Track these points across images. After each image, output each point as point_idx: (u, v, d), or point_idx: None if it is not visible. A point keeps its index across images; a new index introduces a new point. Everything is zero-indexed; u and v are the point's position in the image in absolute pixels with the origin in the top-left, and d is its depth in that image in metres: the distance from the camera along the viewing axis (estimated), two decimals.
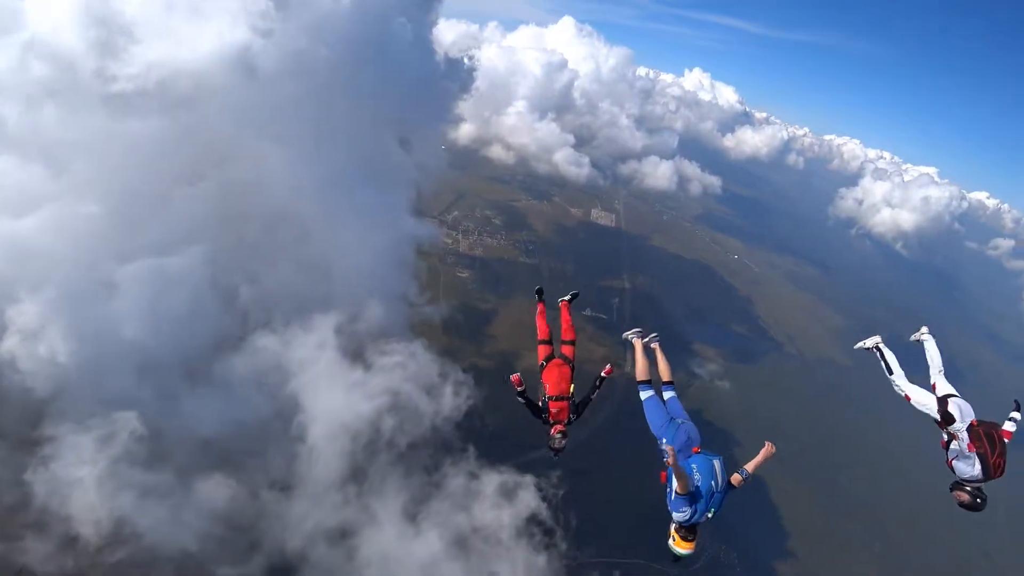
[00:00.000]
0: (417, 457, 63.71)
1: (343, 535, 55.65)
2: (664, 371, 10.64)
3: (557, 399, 10.57)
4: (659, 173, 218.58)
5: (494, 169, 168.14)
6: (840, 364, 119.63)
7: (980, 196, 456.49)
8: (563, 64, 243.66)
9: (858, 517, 78.27)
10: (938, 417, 9.08)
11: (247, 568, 48.90)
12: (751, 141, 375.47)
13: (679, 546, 8.48)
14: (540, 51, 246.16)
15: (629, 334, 11.52)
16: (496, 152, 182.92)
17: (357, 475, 59.72)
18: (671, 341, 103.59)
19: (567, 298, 12.35)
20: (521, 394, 10.47)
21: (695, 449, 9.10)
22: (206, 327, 60.38)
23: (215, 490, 50.86)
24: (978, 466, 8.39)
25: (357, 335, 69.34)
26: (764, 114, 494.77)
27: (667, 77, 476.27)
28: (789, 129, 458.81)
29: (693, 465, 8.68)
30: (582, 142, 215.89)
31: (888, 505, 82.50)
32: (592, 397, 10.83)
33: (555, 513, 63.75)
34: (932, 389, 9.88)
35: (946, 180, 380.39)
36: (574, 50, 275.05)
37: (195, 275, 59.63)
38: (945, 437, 8.96)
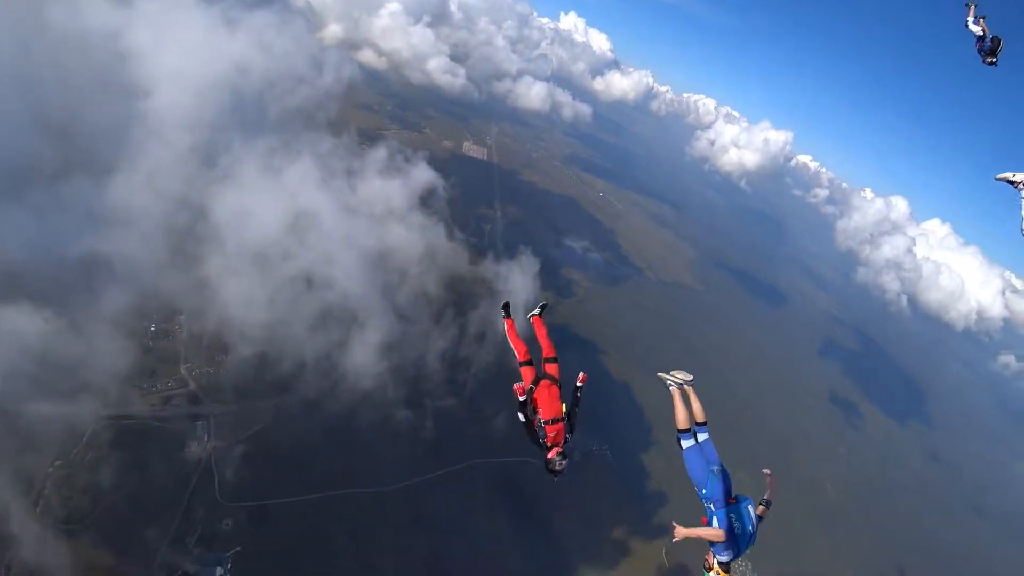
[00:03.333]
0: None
1: None
2: (698, 413, 10.45)
3: (553, 422, 10.17)
4: (532, 94, 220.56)
5: (365, 78, 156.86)
6: (692, 288, 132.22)
7: (805, 159, 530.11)
8: None
9: (707, 409, 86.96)
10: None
11: (73, 408, 47.43)
12: (619, 85, 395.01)
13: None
14: None
15: (666, 378, 10.82)
16: (367, 57, 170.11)
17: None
18: (545, 268, 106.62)
19: (537, 312, 11.43)
20: (522, 409, 10.10)
21: (731, 500, 9.53)
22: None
23: (24, 322, 46.04)
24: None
25: None
26: (631, 69, 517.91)
27: (543, 20, 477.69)
28: (653, 86, 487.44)
29: (732, 515, 9.35)
30: (457, 59, 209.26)
31: (728, 396, 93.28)
32: (577, 409, 10.54)
33: None
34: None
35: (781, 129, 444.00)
36: None
37: None
38: None
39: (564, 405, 10.46)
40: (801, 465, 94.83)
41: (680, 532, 9.69)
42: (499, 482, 61.86)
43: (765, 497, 10.07)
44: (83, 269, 55.23)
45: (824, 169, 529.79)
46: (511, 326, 11.17)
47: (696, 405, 10.55)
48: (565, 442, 10.23)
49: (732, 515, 9.47)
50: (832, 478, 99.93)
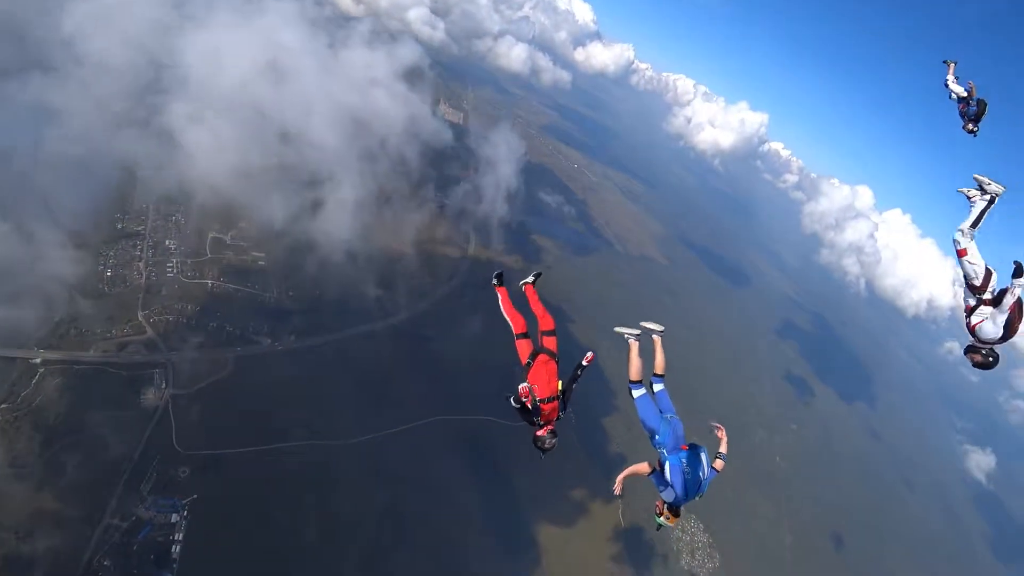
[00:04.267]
0: None
1: None
2: (659, 365, 10.45)
3: (549, 400, 9.67)
4: (513, 55, 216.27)
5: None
6: (658, 263, 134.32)
7: (777, 146, 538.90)
8: None
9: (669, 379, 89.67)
10: (980, 280, 9.26)
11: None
12: (600, 57, 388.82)
13: (667, 520, 9.56)
14: None
15: (625, 332, 10.51)
16: (344, 2, 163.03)
17: None
18: (515, 233, 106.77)
19: (531, 280, 10.77)
20: (523, 414, 9.53)
21: (683, 446, 9.55)
22: None
23: None
24: (1002, 329, 8.89)
25: None
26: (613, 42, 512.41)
27: None
28: (634, 61, 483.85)
29: (683, 459, 9.32)
30: (438, 12, 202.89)
31: (687, 366, 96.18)
32: (574, 387, 10.02)
33: None
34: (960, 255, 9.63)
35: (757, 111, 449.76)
36: None
37: None
38: (972, 302, 9.32)
39: (560, 382, 9.97)
40: (754, 436, 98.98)
41: (618, 479, 9.75)
42: (462, 438, 62.64)
43: (720, 450, 10.18)
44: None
45: (795, 157, 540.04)
46: (505, 297, 10.53)
47: (660, 357, 10.52)
48: (558, 419, 9.79)
49: (684, 460, 9.46)
50: (781, 450, 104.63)
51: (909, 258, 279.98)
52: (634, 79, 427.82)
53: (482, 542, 56.97)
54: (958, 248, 9.41)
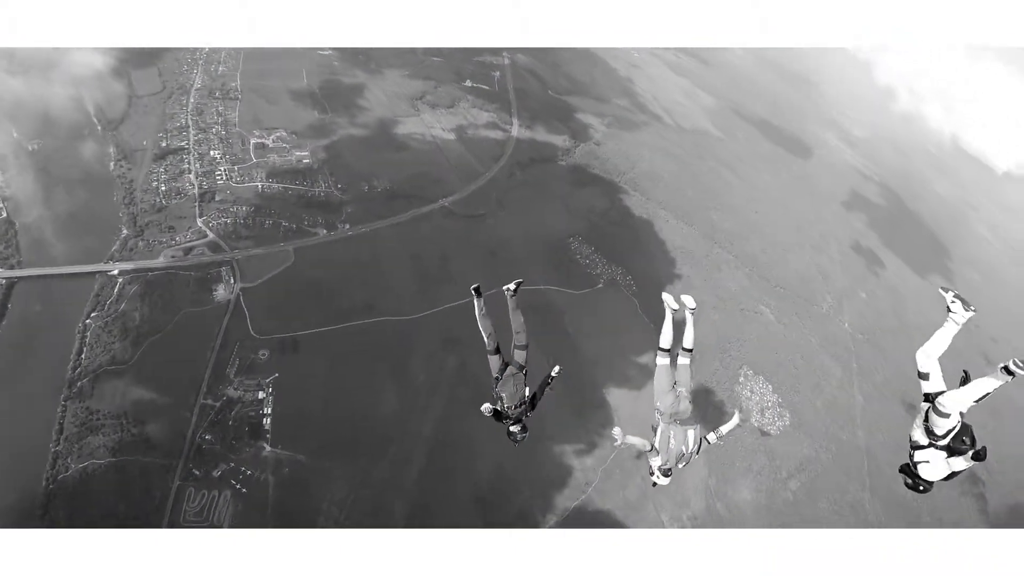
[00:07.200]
0: None
1: None
2: (688, 340, 10.95)
3: (517, 407, 10.62)
4: None
5: None
6: (712, 135, 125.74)
7: None
8: None
9: (727, 246, 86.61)
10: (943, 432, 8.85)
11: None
12: None
13: (659, 479, 10.69)
14: None
15: (667, 298, 11.13)
16: None
17: None
18: (555, 110, 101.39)
19: (512, 288, 10.70)
20: (495, 415, 10.63)
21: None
22: None
23: None
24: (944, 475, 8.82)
25: None
26: None
27: None
28: None
29: (671, 432, 10.56)
30: None
31: (750, 235, 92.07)
32: (541, 394, 10.95)
33: None
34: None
35: None
36: None
37: None
38: (924, 442, 8.86)
39: (528, 390, 10.75)
40: (822, 303, 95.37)
41: (617, 433, 10.74)
42: (528, 307, 62.26)
43: (721, 429, 11.09)
44: None
45: None
46: (480, 309, 10.68)
47: (689, 334, 10.96)
48: (526, 416, 10.76)
49: (671, 432, 10.48)
50: (850, 316, 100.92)
51: (1006, 103, 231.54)
52: None
53: (555, 401, 58.44)
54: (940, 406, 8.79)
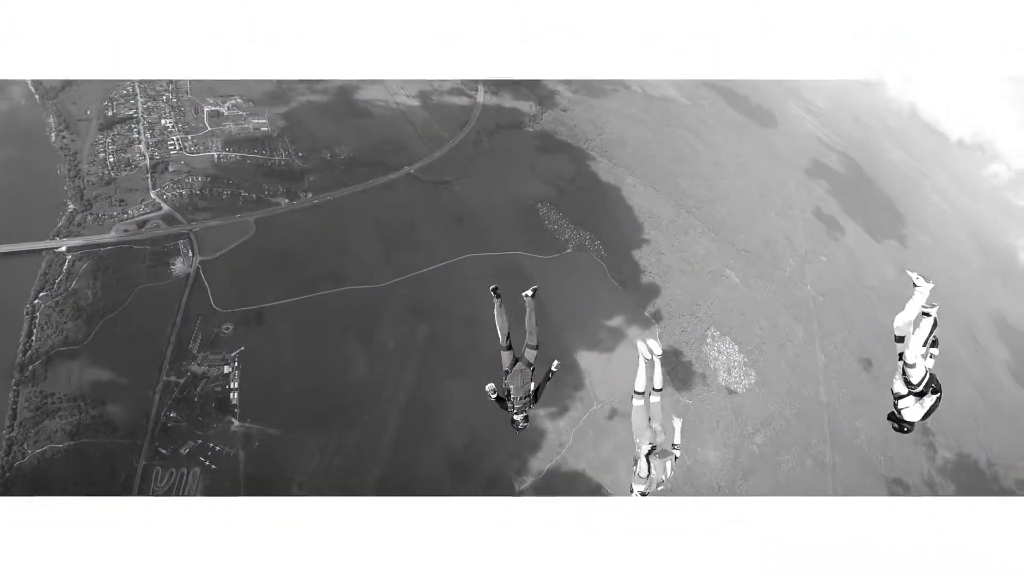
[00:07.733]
0: None
1: None
2: (658, 380, 12.30)
3: (522, 398, 11.86)
4: None
5: None
6: (679, 103, 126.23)
7: None
8: None
9: (694, 210, 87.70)
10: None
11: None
12: None
13: (640, 495, 11.81)
14: None
15: (641, 347, 12.11)
16: None
17: None
18: (524, 79, 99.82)
19: (529, 293, 11.76)
20: (499, 402, 11.88)
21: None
22: None
23: None
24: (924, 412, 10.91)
25: None
26: None
27: None
28: None
29: (652, 462, 11.76)
30: None
31: (716, 200, 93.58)
32: (543, 387, 12.08)
33: None
34: None
35: None
36: None
37: None
38: (904, 391, 10.80)
39: (533, 383, 11.80)
40: (785, 267, 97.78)
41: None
42: (496, 273, 62.20)
43: (676, 439, 13.00)
44: None
45: None
46: (498, 307, 11.60)
47: (658, 375, 12.15)
48: (530, 407, 11.78)
49: (653, 463, 11.70)
50: (812, 280, 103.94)
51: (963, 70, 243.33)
52: None
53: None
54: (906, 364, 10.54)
